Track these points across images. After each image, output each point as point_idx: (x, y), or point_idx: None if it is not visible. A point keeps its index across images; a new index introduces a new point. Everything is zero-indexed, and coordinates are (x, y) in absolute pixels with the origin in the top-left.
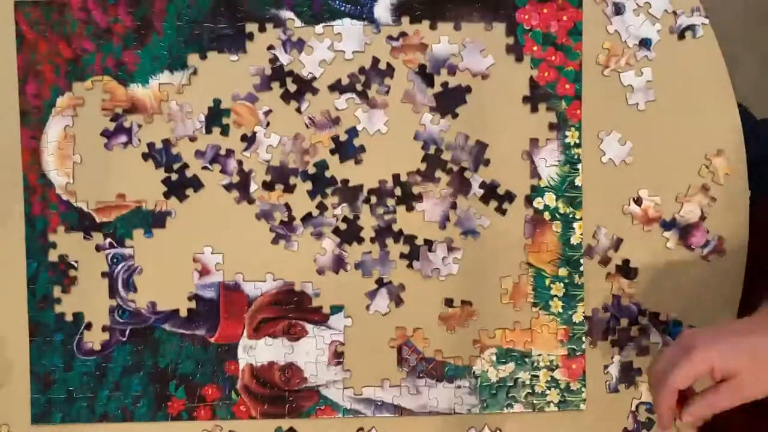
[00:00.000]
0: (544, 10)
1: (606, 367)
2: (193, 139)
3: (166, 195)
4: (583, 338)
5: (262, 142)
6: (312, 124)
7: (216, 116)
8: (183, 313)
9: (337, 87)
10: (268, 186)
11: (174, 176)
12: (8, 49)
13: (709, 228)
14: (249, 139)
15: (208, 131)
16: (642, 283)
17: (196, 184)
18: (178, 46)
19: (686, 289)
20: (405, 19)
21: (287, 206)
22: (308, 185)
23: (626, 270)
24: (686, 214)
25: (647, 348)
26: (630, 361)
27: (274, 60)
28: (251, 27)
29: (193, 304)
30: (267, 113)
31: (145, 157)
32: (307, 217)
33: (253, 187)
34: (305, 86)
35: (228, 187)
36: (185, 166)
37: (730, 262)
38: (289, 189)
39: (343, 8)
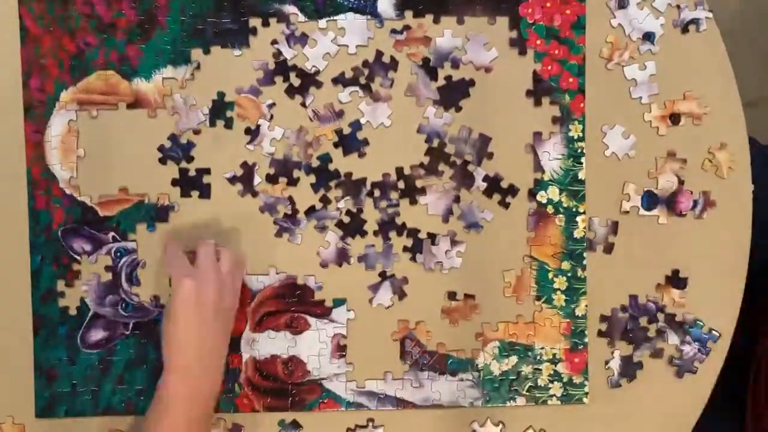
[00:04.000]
0: (548, 3)
1: (607, 362)
2: (197, 132)
3: (172, 187)
4: (586, 332)
5: (266, 135)
6: (316, 118)
7: (220, 109)
8: (166, 299)
9: (340, 80)
10: (271, 179)
11: (177, 170)
12: (12, 43)
13: (691, 188)
14: (253, 132)
15: (212, 124)
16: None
17: (200, 177)
18: (182, 41)
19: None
20: (408, 14)
21: (291, 199)
22: (312, 178)
23: (676, 281)
24: (664, 185)
25: (648, 338)
26: (630, 355)
27: (277, 54)
28: (255, 21)
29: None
30: (271, 106)
31: (151, 152)
32: (310, 211)
33: (257, 180)
34: (309, 80)
35: (232, 180)
36: (189, 159)
37: (732, 260)
38: (293, 182)
39: (346, 2)
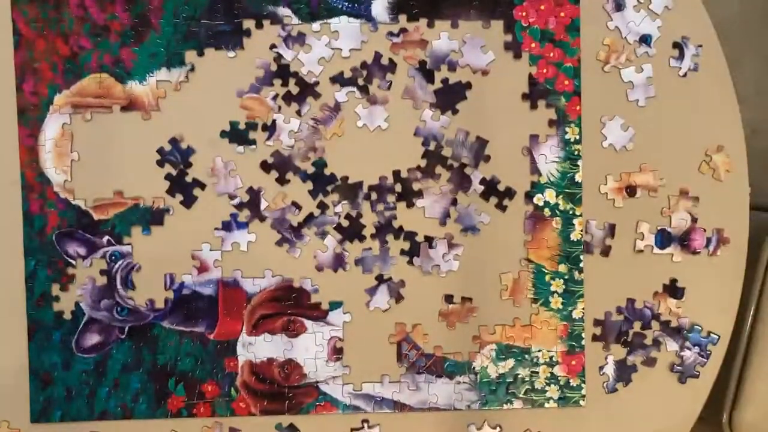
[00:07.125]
0: (542, 6)
1: (601, 368)
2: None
3: (168, 192)
4: (583, 335)
5: (283, 128)
6: (316, 124)
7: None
8: (161, 303)
9: (338, 80)
10: (279, 179)
11: (174, 174)
12: (5, 46)
13: (704, 226)
14: (269, 128)
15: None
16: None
17: (197, 182)
18: (176, 43)
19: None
20: (402, 17)
21: (295, 204)
22: (309, 185)
23: (673, 289)
24: (678, 223)
25: (644, 345)
26: (623, 359)
27: (278, 58)
28: (248, 24)
29: (170, 294)
30: (275, 98)
31: (146, 154)
32: (309, 218)
33: (264, 204)
34: (307, 89)
35: (239, 207)
36: (188, 164)
37: (729, 261)
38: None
39: (340, 6)
